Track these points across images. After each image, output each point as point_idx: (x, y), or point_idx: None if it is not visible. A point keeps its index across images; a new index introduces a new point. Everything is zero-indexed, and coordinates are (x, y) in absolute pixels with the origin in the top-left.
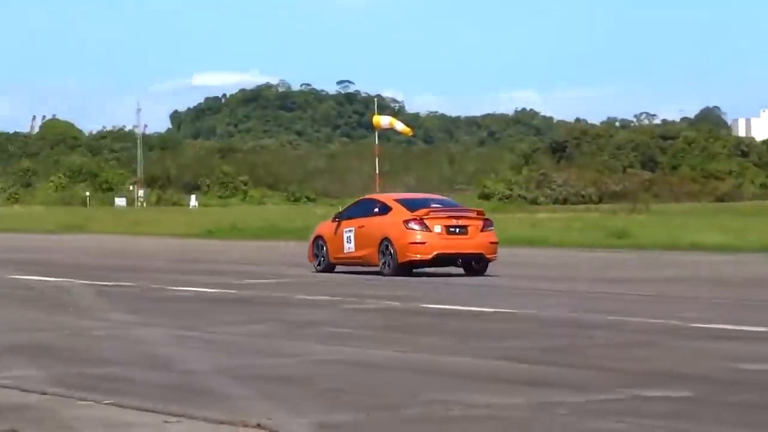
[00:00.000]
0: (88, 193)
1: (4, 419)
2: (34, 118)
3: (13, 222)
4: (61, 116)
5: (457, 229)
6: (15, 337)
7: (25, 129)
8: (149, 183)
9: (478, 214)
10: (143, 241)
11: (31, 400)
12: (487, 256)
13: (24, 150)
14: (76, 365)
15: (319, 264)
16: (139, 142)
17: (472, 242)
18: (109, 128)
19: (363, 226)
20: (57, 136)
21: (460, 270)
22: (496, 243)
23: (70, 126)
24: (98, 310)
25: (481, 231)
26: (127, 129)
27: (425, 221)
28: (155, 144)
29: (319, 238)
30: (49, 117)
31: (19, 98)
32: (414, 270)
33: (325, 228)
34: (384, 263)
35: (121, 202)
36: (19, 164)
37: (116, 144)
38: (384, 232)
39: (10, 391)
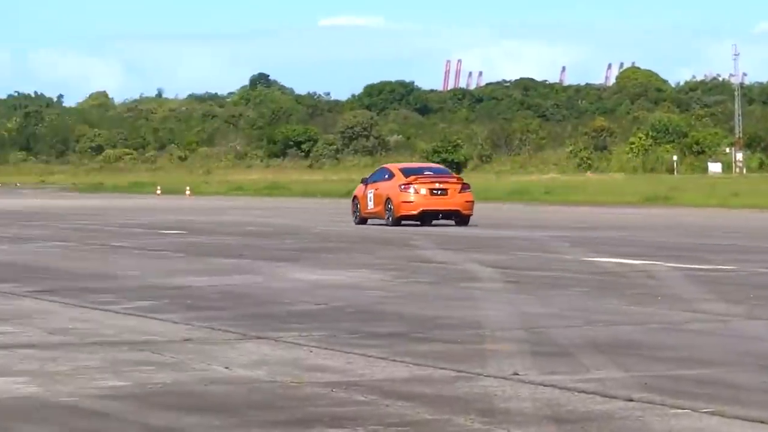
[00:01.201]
0: (675, 158)
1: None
2: (609, 67)
3: (586, 193)
4: (641, 64)
5: (439, 191)
6: (592, 332)
7: (598, 80)
8: (749, 144)
9: (457, 180)
10: (743, 215)
11: (614, 407)
12: (463, 212)
13: (597, 106)
14: (666, 365)
15: (355, 218)
16: (736, 94)
17: (451, 201)
18: (700, 78)
19: (377, 188)
20: (637, 89)
21: None
22: (472, 202)
23: (652, 76)
24: (691, 299)
25: (459, 192)
26: (722, 78)
27: (413, 185)
28: (756, 97)
29: (355, 197)
30: (627, 65)
31: (591, 44)
32: (402, 222)
33: (358, 190)
34: (388, 217)
35: (715, 167)
36: (592, 123)
37: (709, 97)
38: (387, 194)
39: (590, 396)
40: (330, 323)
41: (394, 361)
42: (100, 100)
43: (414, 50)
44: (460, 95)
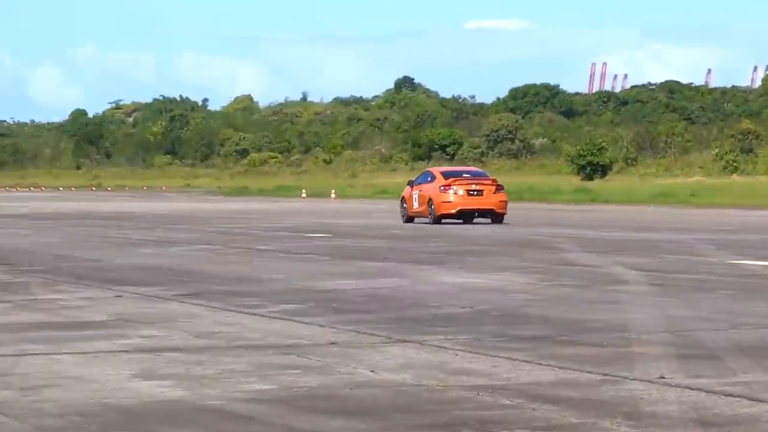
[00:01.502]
0: None
1: None
2: (755, 69)
3: (732, 196)
4: None
5: (475, 192)
6: (738, 335)
7: (744, 83)
8: None
9: (492, 182)
10: None
11: (761, 410)
12: (497, 210)
13: (743, 108)
14: None
15: (403, 217)
16: None
17: (486, 201)
18: None
19: (421, 190)
20: None
21: None
22: (505, 201)
23: None
24: None
25: (494, 193)
26: None
27: (452, 186)
28: None
29: (403, 198)
30: None
31: (737, 46)
32: (443, 221)
33: (406, 191)
34: (430, 215)
35: None
36: (738, 125)
37: None
38: (429, 195)
39: (736, 400)
40: (475, 326)
41: (540, 364)
42: (245, 104)
43: (559, 53)
44: (605, 98)
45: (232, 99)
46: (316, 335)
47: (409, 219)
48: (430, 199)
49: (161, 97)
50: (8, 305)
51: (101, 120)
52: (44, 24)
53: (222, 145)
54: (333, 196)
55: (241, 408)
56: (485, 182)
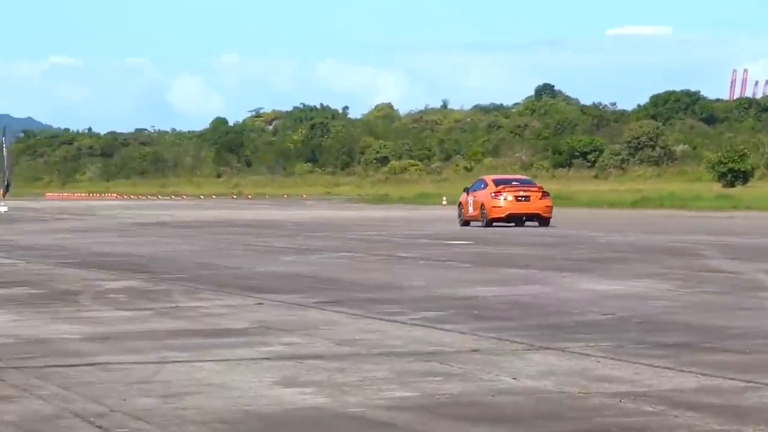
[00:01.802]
0: None
1: None
2: None
3: None
4: None
5: (523, 198)
6: None
7: None
8: None
9: (539, 189)
10: None
11: None
12: (543, 215)
13: None
14: None
15: (460, 221)
16: None
17: (533, 206)
18: None
19: (475, 196)
20: None
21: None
22: (551, 206)
23: None
24: None
25: (540, 199)
26: None
27: (502, 193)
28: None
29: (460, 203)
30: None
31: None
32: (494, 224)
33: (462, 198)
34: (482, 219)
35: None
36: None
37: None
38: (482, 200)
39: None
40: (616, 333)
41: (682, 371)
42: (385, 112)
43: (700, 59)
44: (746, 104)
45: (373, 107)
46: (457, 342)
47: (466, 222)
48: (482, 204)
49: (301, 105)
50: (150, 313)
51: (241, 128)
52: (185, 32)
53: (362, 153)
54: None
55: (383, 415)
56: (532, 189)
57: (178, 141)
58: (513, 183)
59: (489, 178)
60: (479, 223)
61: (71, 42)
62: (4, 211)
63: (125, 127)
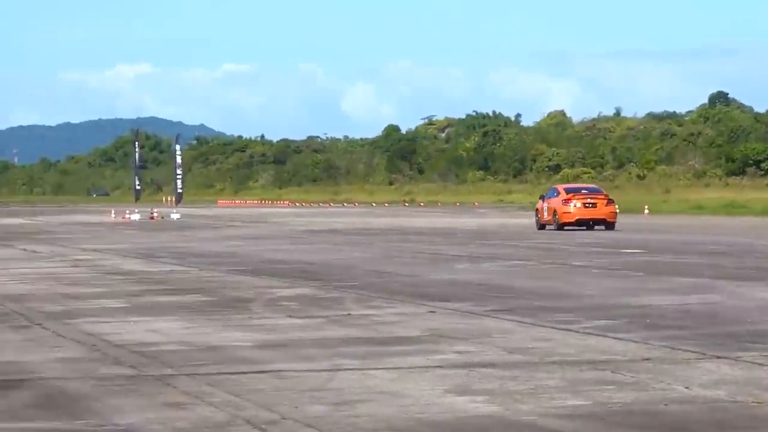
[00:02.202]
0: None
1: None
2: None
3: None
4: None
5: (590, 205)
6: None
7: None
8: None
9: (605, 197)
10: None
11: None
12: (608, 220)
13: None
14: None
15: (537, 224)
16: None
17: (599, 212)
18: None
19: (549, 203)
20: None
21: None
22: (615, 212)
23: None
24: None
25: (605, 206)
26: None
27: (572, 200)
28: None
29: (537, 210)
30: None
31: None
32: (565, 228)
33: (539, 205)
34: (554, 224)
35: None
36: None
37: None
38: (554, 207)
39: None
40: None
41: None
42: (558, 119)
43: None
44: None
45: (545, 114)
46: (629, 351)
47: (541, 227)
48: (554, 210)
49: (474, 113)
50: (322, 320)
51: (414, 135)
52: (358, 39)
53: (534, 160)
54: (646, 211)
55: (554, 424)
56: (599, 197)
57: (350, 148)
58: (582, 191)
59: (561, 187)
60: (552, 227)
61: (244, 49)
62: (177, 219)
63: (297, 134)
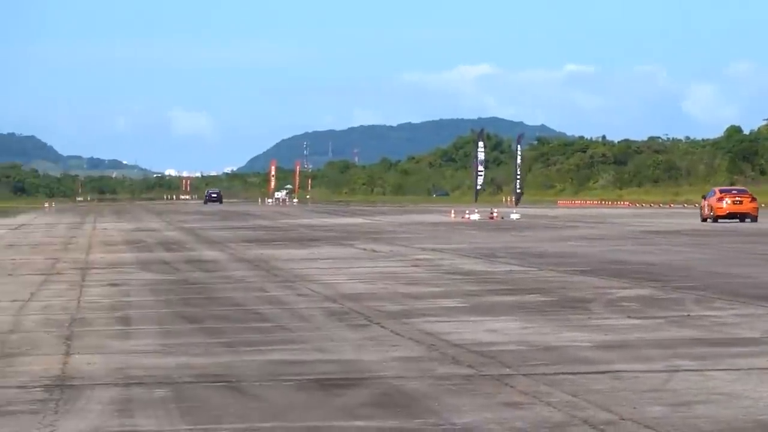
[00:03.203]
0: None
1: None
2: None
3: None
4: None
5: (738, 201)
6: None
7: None
8: None
9: (749, 195)
10: None
11: None
12: (752, 214)
13: None
14: None
15: (701, 217)
16: None
17: (744, 207)
18: None
19: (708, 201)
20: None
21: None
22: (757, 208)
23: None
24: None
25: (750, 202)
26: None
27: (724, 198)
28: None
29: (701, 207)
30: None
31: None
32: (719, 220)
33: (702, 202)
34: (710, 216)
35: None
36: None
37: None
38: (711, 204)
39: None
40: None
41: None
42: None
43: None
44: None
45: None
46: None
47: (704, 219)
48: (710, 206)
49: None
50: (661, 321)
51: (756, 136)
52: (699, 41)
53: None
54: None
55: None
56: (744, 196)
57: (691, 149)
58: (732, 191)
59: (717, 188)
60: (710, 220)
61: (586, 50)
62: (516, 219)
63: (638, 134)
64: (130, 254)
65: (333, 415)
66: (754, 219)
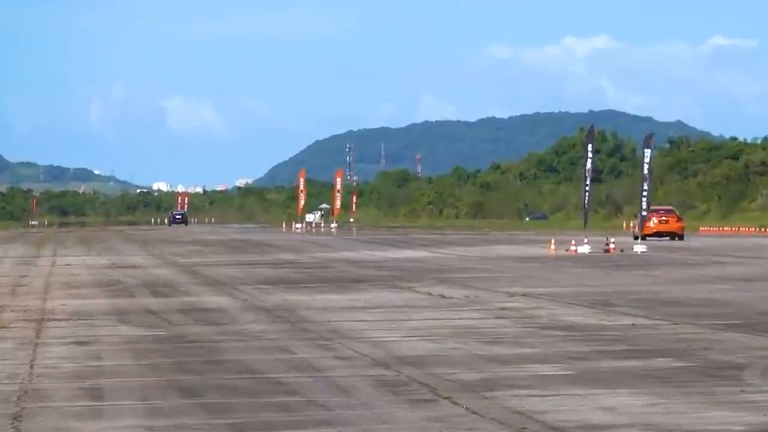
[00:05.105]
0: None
1: None
2: None
3: None
4: None
5: (663, 220)
6: None
7: None
8: None
9: (675, 214)
10: None
11: None
12: (678, 232)
13: None
14: None
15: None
16: None
17: (670, 226)
18: None
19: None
20: None
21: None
22: (683, 226)
23: None
24: None
25: (676, 222)
26: None
27: (651, 217)
28: None
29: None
30: None
31: None
32: (646, 238)
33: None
34: (637, 234)
35: None
36: None
37: None
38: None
39: None
40: None
41: None
42: None
43: None
44: None
45: None
46: None
47: (635, 237)
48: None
49: None
50: None
51: None
52: None
53: None
54: None
55: None
56: (670, 214)
57: None
58: (660, 211)
59: (648, 209)
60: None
61: (741, 18)
62: (642, 252)
63: None
64: (103, 300)
65: None
66: (679, 236)
